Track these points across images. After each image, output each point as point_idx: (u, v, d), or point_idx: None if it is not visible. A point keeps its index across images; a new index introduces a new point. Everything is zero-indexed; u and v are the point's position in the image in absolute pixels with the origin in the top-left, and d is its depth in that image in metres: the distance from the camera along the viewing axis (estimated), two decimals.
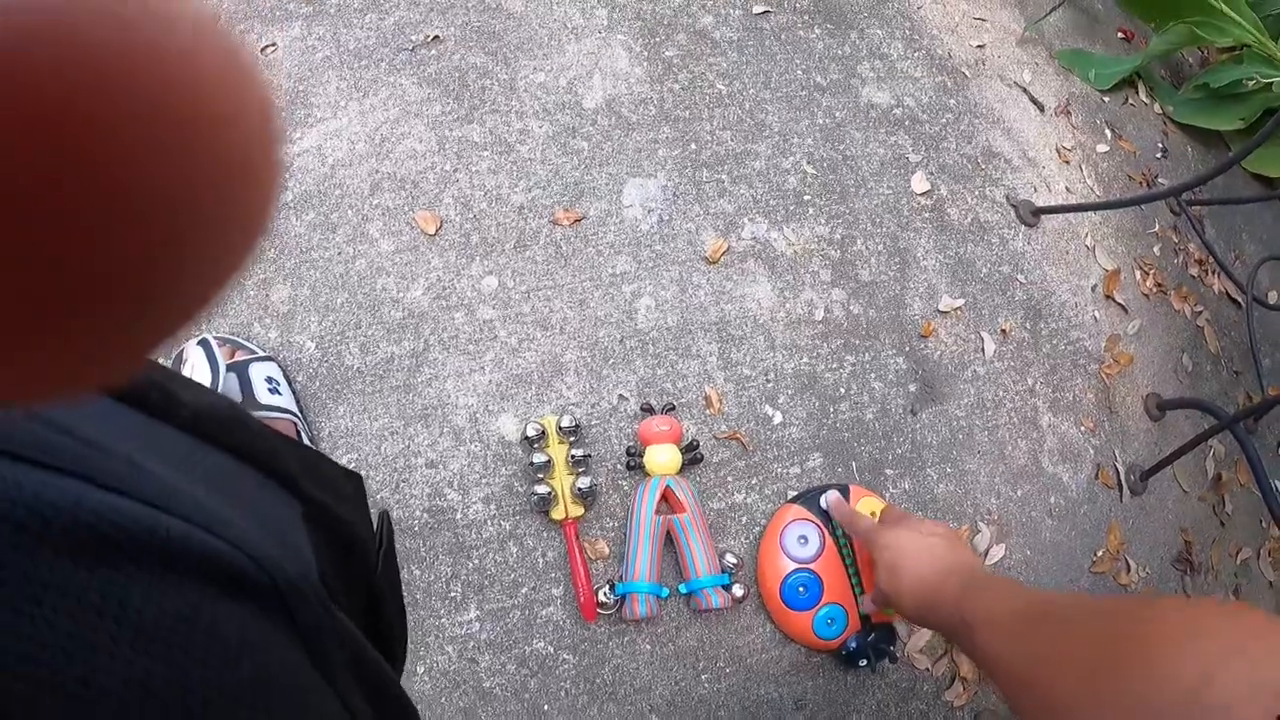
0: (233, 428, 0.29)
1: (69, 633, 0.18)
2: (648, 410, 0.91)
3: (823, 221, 1.08)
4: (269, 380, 0.86)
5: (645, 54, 1.14)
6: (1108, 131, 1.36)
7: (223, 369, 0.82)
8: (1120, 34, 1.51)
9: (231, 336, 0.89)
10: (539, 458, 0.84)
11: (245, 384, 0.84)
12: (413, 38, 1.14)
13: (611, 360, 0.94)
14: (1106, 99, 1.40)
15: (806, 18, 1.24)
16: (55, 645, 0.18)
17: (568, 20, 1.14)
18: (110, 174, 0.09)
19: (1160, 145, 1.41)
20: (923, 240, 1.11)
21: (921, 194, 1.14)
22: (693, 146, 1.08)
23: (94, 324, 0.10)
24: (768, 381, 0.97)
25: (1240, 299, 1.32)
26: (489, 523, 0.86)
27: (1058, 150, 1.28)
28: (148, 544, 0.20)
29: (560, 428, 0.86)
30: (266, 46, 1.19)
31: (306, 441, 0.87)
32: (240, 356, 0.87)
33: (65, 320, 0.09)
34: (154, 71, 0.09)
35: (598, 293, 0.97)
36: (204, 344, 0.84)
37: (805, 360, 0.99)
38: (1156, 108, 1.46)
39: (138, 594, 0.20)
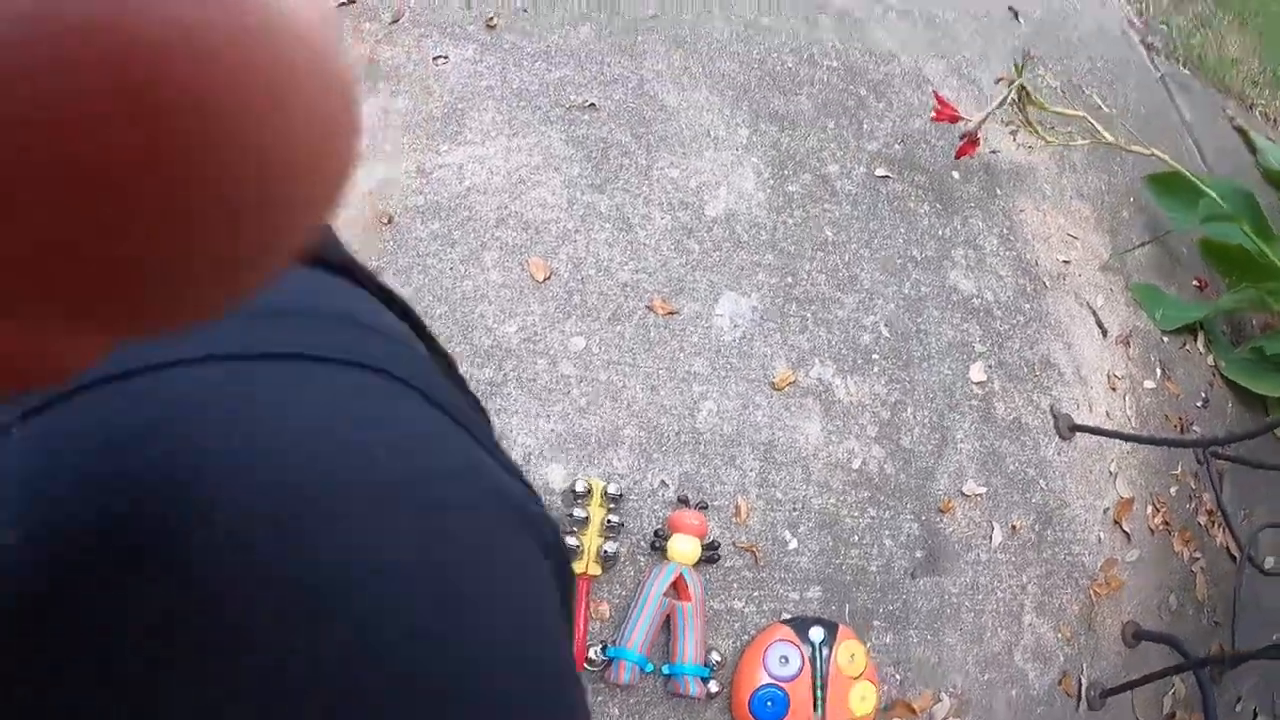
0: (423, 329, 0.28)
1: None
2: (683, 502, 0.99)
3: (883, 382, 1.17)
4: None
5: (771, 182, 1.25)
6: (1159, 370, 1.45)
7: None
8: (1195, 282, 1.61)
9: None
10: (579, 512, 0.93)
11: None
12: (572, 97, 1.25)
13: (664, 447, 1.03)
14: (1166, 339, 1.49)
15: (920, 192, 1.35)
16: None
17: (712, 129, 1.25)
18: (209, 138, 0.10)
19: (1204, 395, 1.49)
20: (965, 424, 1.20)
21: (976, 383, 1.23)
22: (789, 279, 1.18)
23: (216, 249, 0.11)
24: (794, 510, 1.05)
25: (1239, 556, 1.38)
26: None
27: (1109, 376, 1.37)
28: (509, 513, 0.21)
29: (606, 492, 0.95)
30: (438, 57, 1.31)
31: None
32: None
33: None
34: (241, 47, 0.10)
35: (670, 384, 1.06)
36: None
37: (832, 501, 1.08)
38: (1210, 360, 1.54)
39: None
